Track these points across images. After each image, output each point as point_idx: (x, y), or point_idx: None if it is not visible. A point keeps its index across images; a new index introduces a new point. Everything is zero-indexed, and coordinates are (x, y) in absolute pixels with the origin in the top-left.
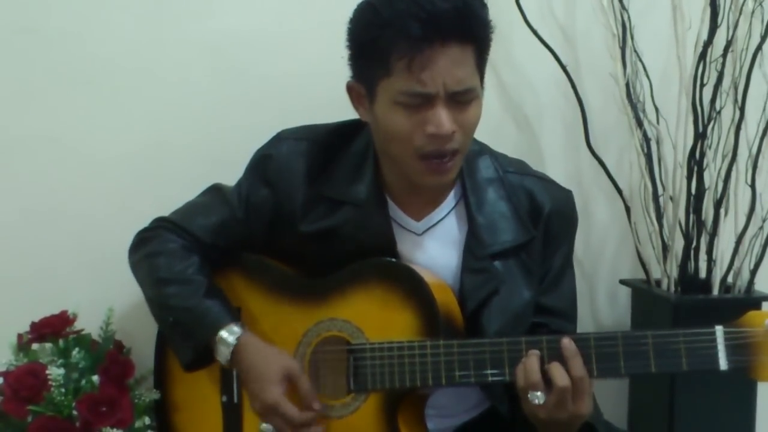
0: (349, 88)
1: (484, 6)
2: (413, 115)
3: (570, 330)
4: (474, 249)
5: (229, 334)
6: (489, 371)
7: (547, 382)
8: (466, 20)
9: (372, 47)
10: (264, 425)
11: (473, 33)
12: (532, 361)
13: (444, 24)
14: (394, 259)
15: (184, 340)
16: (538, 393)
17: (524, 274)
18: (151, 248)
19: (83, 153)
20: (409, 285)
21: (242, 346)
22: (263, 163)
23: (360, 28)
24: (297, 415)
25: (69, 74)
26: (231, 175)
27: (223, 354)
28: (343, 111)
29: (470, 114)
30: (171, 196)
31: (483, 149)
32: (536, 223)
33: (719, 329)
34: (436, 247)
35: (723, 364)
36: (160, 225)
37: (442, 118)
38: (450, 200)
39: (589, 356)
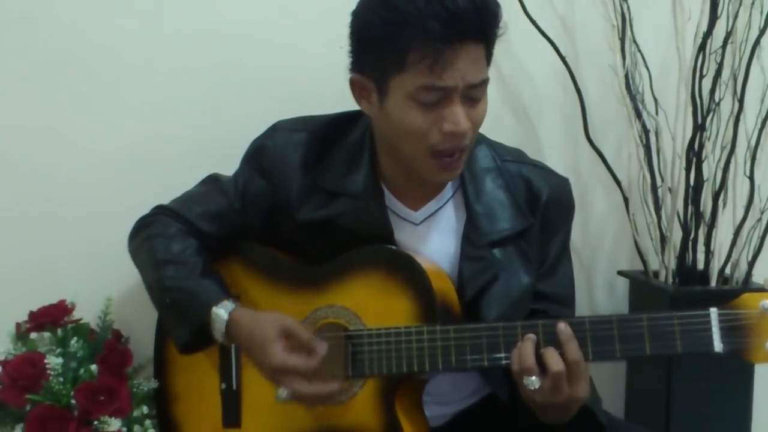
0: (353, 82)
1: (498, 4)
2: (429, 113)
3: (568, 315)
4: (472, 237)
5: (222, 310)
6: (485, 356)
7: (542, 366)
8: (484, 19)
9: (386, 44)
10: (280, 391)
11: (489, 31)
12: (526, 346)
13: (464, 23)
14: (392, 246)
15: (180, 320)
16: (533, 378)
17: (523, 261)
18: (149, 232)
19: (81, 143)
20: (407, 272)
21: (235, 319)
22: (259, 154)
23: (371, 24)
24: (304, 364)
25: (66, 64)
26: (229, 165)
27: (218, 330)
28: (342, 102)
29: (480, 110)
30: (169, 186)
31: (480, 139)
32: (534, 211)
33: (714, 311)
34: (434, 237)
35: (717, 346)
36: (159, 212)
37: (460, 115)
38: (448, 190)
39: (584, 339)
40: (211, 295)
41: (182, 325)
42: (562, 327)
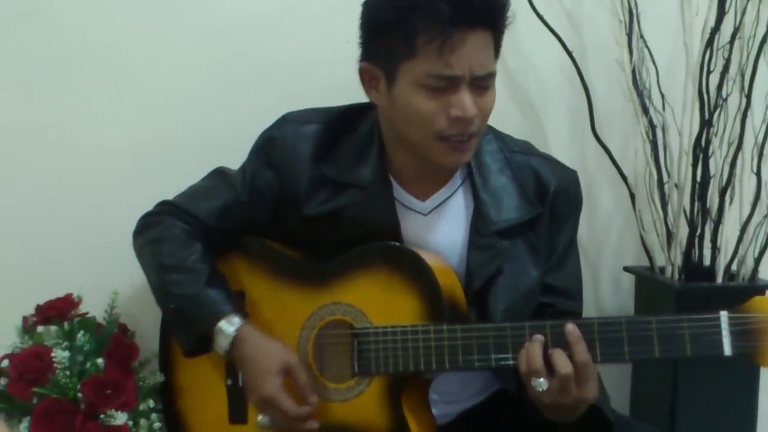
0: (362, 71)
1: None
2: (437, 98)
3: (576, 309)
4: (480, 227)
5: (228, 325)
6: (492, 356)
7: (550, 368)
8: (493, 6)
9: (396, 28)
10: (260, 417)
11: (497, 20)
12: (534, 347)
13: (473, 8)
14: (398, 243)
15: (184, 327)
16: (541, 379)
17: (531, 253)
18: (154, 234)
19: (86, 139)
20: (413, 269)
21: (241, 337)
22: (268, 146)
23: (382, 9)
24: (294, 409)
25: (70, 61)
26: (233, 162)
27: (221, 345)
28: (347, 95)
29: (488, 99)
30: (174, 181)
31: (488, 130)
32: (542, 202)
33: (724, 314)
34: (442, 227)
35: (727, 349)
36: (163, 209)
37: (467, 101)
38: (456, 180)
39: (592, 341)
40: (217, 307)
41: (187, 332)
42: (571, 328)
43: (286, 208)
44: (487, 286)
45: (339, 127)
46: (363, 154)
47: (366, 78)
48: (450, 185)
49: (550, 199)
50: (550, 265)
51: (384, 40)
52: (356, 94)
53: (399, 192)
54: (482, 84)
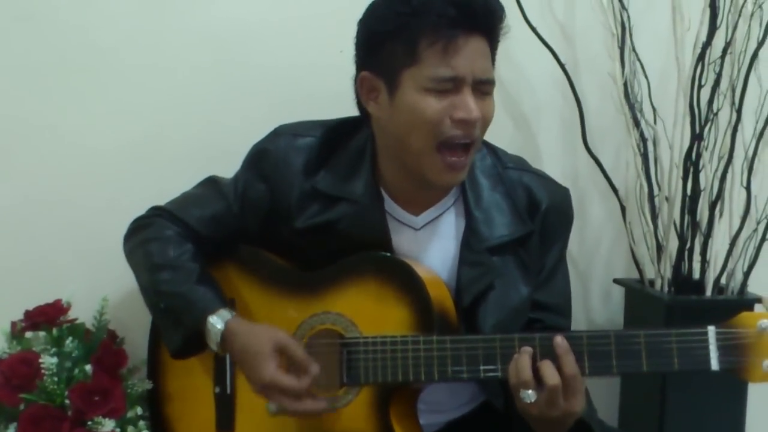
0: (362, 81)
1: (502, 6)
2: (441, 101)
3: (565, 325)
4: (471, 243)
5: (218, 319)
6: (481, 367)
7: (539, 380)
8: (491, 12)
9: (397, 35)
10: (270, 405)
11: (493, 28)
12: (523, 359)
13: (474, 13)
14: (389, 254)
15: (174, 326)
16: (530, 391)
17: (521, 270)
18: (146, 235)
19: (80, 142)
20: (404, 280)
21: (231, 330)
22: (260, 158)
23: (383, 17)
24: (295, 384)
25: (67, 63)
26: (228, 167)
27: (213, 339)
28: (342, 103)
29: (489, 106)
30: (167, 186)
31: (483, 145)
32: (534, 219)
33: (711, 329)
34: (434, 242)
35: (714, 364)
36: (156, 213)
37: (471, 103)
38: (449, 197)
39: (581, 354)
40: (207, 303)
41: (176, 331)
42: (559, 341)
43: (277, 220)
44: (477, 303)
45: (332, 140)
46: (355, 168)
47: (365, 89)
48: (443, 201)
49: (541, 216)
50: (540, 281)
51: (385, 49)
52: (350, 102)
53: (391, 206)
54: (483, 89)
